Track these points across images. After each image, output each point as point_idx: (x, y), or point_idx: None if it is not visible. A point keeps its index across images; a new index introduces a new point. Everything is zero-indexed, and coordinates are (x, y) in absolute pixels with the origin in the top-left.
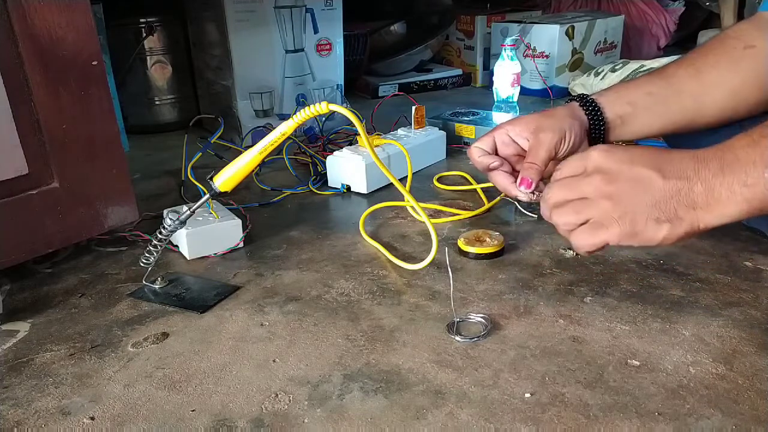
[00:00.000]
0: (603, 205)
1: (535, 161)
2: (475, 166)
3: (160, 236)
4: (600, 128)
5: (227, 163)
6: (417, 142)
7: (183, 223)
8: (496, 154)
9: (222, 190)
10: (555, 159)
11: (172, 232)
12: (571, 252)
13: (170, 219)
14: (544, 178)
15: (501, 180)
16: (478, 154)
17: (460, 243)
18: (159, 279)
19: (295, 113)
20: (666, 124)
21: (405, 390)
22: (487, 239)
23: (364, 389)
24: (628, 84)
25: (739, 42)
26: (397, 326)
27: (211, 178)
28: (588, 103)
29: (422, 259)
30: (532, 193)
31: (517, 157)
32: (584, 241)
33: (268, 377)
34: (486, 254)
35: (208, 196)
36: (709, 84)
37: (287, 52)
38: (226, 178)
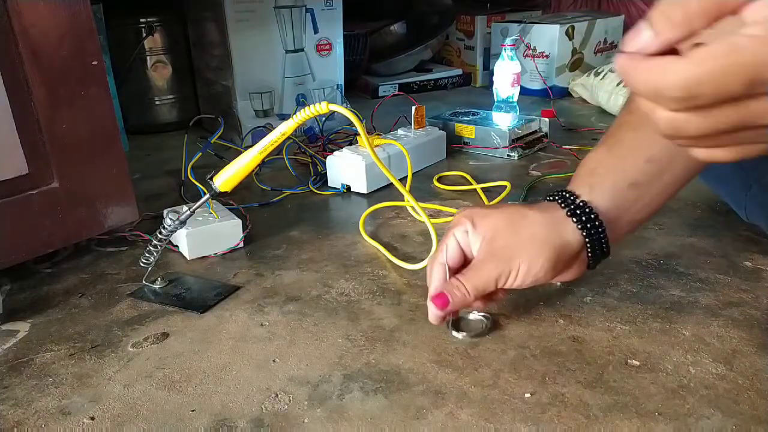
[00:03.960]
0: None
1: (466, 288)
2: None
3: (160, 236)
4: (600, 241)
5: (227, 163)
6: (417, 142)
7: (183, 223)
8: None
9: (222, 190)
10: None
11: (172, 232)
12: None
13: (170, 219)
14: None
15: (436, 277)
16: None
17: None
18: (159, 279)
19: (295, 113)
20: (679, 185)
21: (405, 390)
22: None
23: (364, 389)
24: (621, 152)
25: None
26: (397, 326)
27: (211, 178)
28: (579, 211)
29: (422, 259)
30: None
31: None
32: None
33: (268, 377)
34: None
35: (208, 196)
36: None
37: (287, 52)
38: (226, 178)
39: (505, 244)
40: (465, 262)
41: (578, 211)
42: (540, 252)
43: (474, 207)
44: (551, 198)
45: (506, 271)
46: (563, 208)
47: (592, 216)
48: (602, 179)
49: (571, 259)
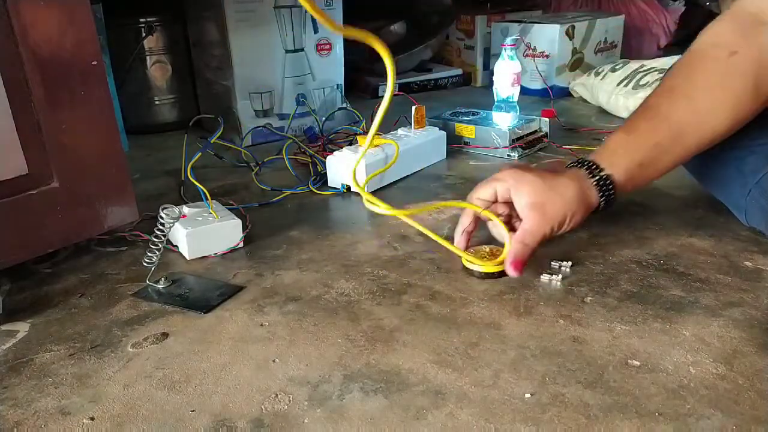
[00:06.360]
0: None
1: (530, 244)
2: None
3: (157, 232)
4: (609, 201)
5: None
6: (417, 142)
7: (178, 217)
8: (494, 202)
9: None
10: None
11: (174, 220)
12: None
13: (165, 214)
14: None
15: (499, 232)
16: (480, 205)
17: (464, 261)
18: (163, 279)
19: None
20: (671, 166)
21: (405, 390)
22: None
23: (364, 389)
24: (636, 138)
25: (721, 51)
26: (397, 326)
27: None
28: (602, 182)
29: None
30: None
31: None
32: None
33: (268, 377)
34: (493, 273)
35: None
36: (707, 112)
37: (287, 52)
38: None
39: (552, 207)
40: (495, 199)
41: (602, 183)
42: (577, 210)
43: (513, 169)
44: (579, 166)
45: (554, 227)
46: (591, 177)
47: (611, 187)
48: (620, 159)
49: (586, 212)
